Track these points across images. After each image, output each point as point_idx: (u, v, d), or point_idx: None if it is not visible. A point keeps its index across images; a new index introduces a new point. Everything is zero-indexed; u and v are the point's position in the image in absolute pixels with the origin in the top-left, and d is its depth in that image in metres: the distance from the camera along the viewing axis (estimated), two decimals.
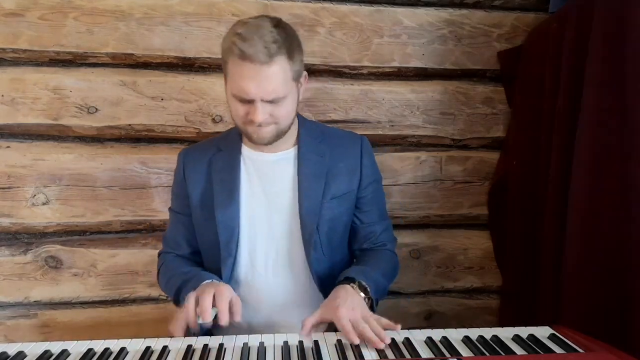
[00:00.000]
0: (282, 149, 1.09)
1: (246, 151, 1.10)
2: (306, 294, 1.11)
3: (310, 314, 1.10)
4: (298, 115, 1.13)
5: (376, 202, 1.18)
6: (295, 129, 1.11)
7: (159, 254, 1.21)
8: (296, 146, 1.10)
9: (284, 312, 1.10)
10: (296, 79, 1.00)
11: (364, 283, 0.99)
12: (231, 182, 1.08)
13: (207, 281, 0.99)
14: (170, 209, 1.20)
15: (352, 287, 0.98)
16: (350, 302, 0.92)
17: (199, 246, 1.16)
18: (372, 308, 0.99)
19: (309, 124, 1.16)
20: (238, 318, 0.90)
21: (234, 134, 1.13)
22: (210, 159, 1.11)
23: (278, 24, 0.96)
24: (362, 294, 0.97)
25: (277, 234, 1.09)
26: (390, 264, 1.14)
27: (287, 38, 0.95)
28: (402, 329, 0.91)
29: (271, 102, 0.95)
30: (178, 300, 1.03)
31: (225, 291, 0.91)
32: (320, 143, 1.11)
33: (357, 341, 0.84)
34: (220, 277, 1.07)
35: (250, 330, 1.09)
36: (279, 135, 1.02)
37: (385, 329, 0.88)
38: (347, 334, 0.85)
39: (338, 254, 1.15)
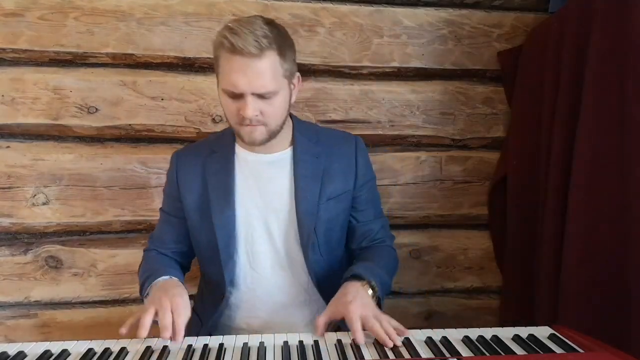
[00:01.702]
0: (277, 150, 1.09)
1: (241, 152, 1.10)
2: (306, 294, 1.12)
3: (309, 314, 1.10)
4: (292, 116, 1.13)
5: (372, 200, 1.18)
6: (289, 130, 1.10)
7: (144, 252, 1.20)
8: (291, 147, 1.10)
9: (283, 313, 1.11)
10: (288, 77, 0.99)
11: (372, 282, 0.99)
12: (226, 185, 1.07)
13: (163, 278, 0.99)
14: (160, 209, 1.20)
15: (362, 284, 0.98)
16: (360, 299, 0.92)
17: (195, 251, 1.16)
18: (378, 305, 0.99)
19: (303, 125, 1.16)
20: (178, 339, 0.87)
21: (228, 134, 1.13)
22: (204, 162, 1.10)
23: (270, 22, 0.96)
24: (371, 291, 0.98)
25: (274, 236, 1.09)
26: (391, 261, 1.15)
27: (278, 35, 0.95)
28: None
29: (261, 97, 0.94)
30: (141, 294, 1.04)
31: (166, 306, 0.87)
32: (315, 144, 1.11)
33: (362, 342, 0.84)
34: (223, 281, 1.07)
35: (249, 331, 1.09)
36: (271, 137, 1.02)
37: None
38: (355, 332, 0.85)
39: (336, 254, 1.15)
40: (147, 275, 1.03)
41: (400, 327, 0.89)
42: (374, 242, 1.16)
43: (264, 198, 1.08)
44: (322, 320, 0.91)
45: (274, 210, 1.08)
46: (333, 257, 1.13)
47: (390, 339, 0.84)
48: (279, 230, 1.09)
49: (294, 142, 1.10)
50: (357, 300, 0.91)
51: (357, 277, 0.99)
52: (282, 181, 1.08)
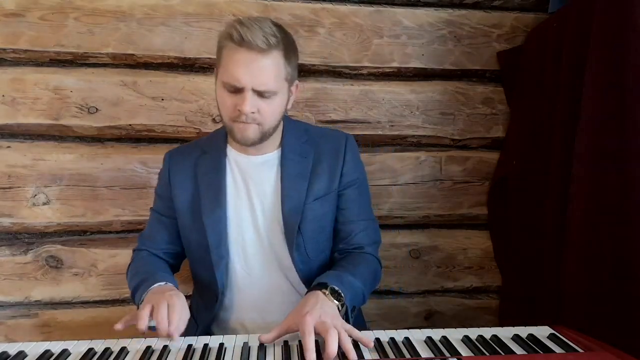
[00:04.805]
0: (266, 151, 1.09)
1: (232, 153, 1.10)
2: (297, 294, 1.11)
3: None
4: (284, 117, 1.12)
5: (357, 201, 1.13)
6: (280, 131, 1.10)
7: (133, 251, 1.18)
8: (280, 148, 1.10)
9: (277, 313, 1.09)
10: (289, 81, 1.00)
11: (337, 288, 0.91)
12: (217, 185, 1.08)
13: (159, 284, 0.97)
14: (151, 208, 1.19)
15: (324, 293, 0.90)
16: (319, 310, 0.84)
17: (186, 252, 1.16)
18: (347, 315, 0.92)
19: (293, 125, 1.15)
20: (175, 334, 0.87)
21: (219, 135, 1.13)
22: (195, 162, 1.11)
23: (278, 25, 0.98)
24: (336, 301, 0.90)
25: (263, 236, 1.09)
26: (368, 269, 1.07)
27: (285, 37, 0.97)
28: (402, 328, 0.91)
29: (261, 95, 0.95)
30: (134, 299, 1.02)
31: (162, 302, 0.87)
32: (304, 143, 1.11)
33: (312, 358, 0.76)
34: (215, 282, 1.07)
35: (244, 332, 1.09)
36: (263, 137, 1.02)
37: (359, 343, 0.83)
38: (305, 350, 0.76)
39: (326, 255, 1.13)
40: (141, 279, 1.01)
41: (364, 338, 0.83)
42: (351, 247, 1.10)
43: (253, 199, 1.08)
44: (270, 336, 0.85)
45: (262, 212, 1.08)
46: (323, 258, 1.12)
47: (345, 351, 0.77)
48: (266, 231, 1.09)
49: (282, 143, 1.10)
50: (316, 310, 0.83)
51: (321, 285, 0.92)
52: (271, 182, 1.08)
